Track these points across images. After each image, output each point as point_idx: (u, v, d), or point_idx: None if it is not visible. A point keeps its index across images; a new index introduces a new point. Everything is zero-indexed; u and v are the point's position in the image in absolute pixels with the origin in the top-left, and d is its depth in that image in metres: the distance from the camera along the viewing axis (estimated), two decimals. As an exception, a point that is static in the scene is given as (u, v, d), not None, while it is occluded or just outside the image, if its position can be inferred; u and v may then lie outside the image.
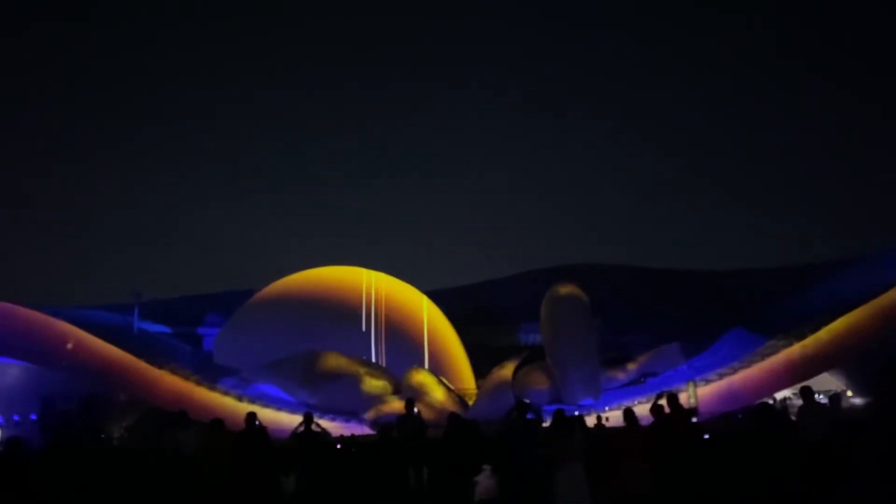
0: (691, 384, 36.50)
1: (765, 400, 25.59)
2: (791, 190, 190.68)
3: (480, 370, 45.89)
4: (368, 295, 48.37)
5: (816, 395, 12.30)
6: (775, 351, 37.83)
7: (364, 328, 45.17)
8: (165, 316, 53.80)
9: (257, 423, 11.57)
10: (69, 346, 36.23)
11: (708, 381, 38.45)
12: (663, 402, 10.71)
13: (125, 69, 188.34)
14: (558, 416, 10.41)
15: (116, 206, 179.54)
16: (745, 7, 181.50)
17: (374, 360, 44.32)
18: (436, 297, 54.07)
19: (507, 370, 41.39)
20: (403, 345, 45.19)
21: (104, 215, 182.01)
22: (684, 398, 33.29)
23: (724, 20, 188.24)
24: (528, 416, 11.85)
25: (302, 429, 12.66)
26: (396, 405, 35.07)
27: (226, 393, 39.61)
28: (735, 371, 38.45)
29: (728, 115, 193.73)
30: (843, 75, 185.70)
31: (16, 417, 35.99)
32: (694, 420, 17.02)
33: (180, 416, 12.69)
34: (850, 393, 36.62)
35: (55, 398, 33.52)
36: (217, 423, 11.12)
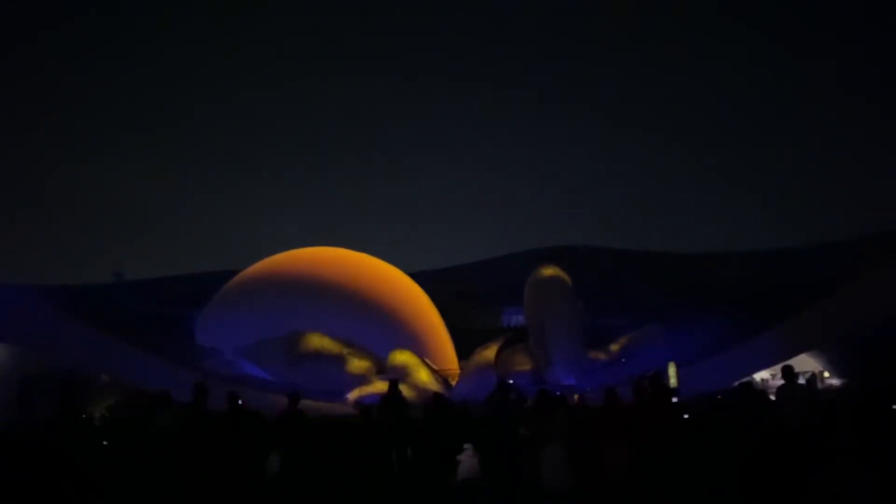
0: (672, 365, 36.87)
1: (745, 380, 25.90)
2: (773, 174, 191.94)
3: (463, 351, 46.06)
4: (353, 276, 48.24)
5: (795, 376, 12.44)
6: (755, 332, 38.25)
7: (348, 309, 45.03)
8: (147, 296, 53.44)
9: (240, 402, 11.55)
10: None
11: (688, 362, 38.84)
12: (646, 382, 10.81)
13: (106, 59, 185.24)
14: (541, 396, 10.48)
15: (98, 185, 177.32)
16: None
17: (357, 340, 44.27)
18: (420, 278, 54.09)
19: (490, 351, 41.62)
20: (387, 326, 45.17)
21: (86, 194, 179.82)
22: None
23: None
24: (511, 396, 11.93)
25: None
26: (380, 386, 35.16)
27: (208, 373, 39.45)
28: (715, 352, 38.85)
29: (710, 100, 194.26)
30: (824, 61, 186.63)
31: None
32: (675, 400, 17.21)
33: (162, 397, 12.62)
34: (826, 374, 37.15)
35: (35, 378, 33.20)
36: (198, 403, 11.08)
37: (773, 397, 11.50)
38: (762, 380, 36.47)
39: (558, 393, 17.89)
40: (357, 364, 41.01)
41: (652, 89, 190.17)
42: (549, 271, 43.63)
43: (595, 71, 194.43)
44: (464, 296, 57.24)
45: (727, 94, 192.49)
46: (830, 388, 31.81)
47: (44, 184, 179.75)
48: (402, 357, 41.13)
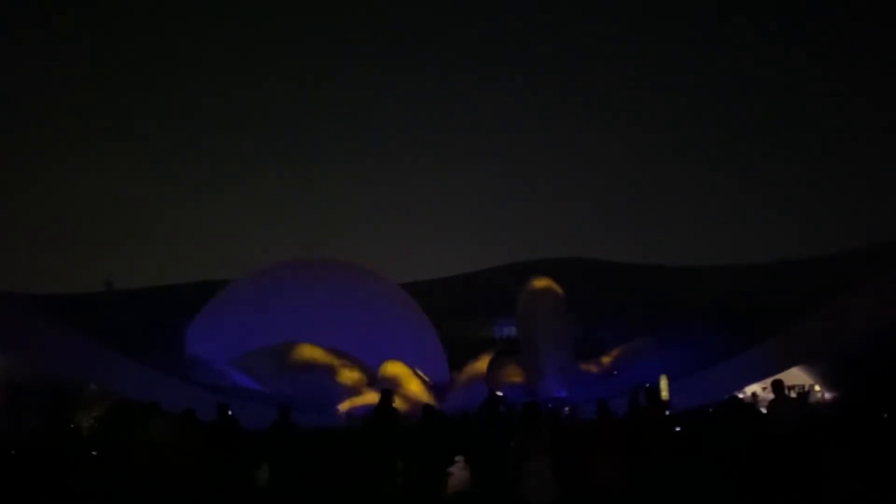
0: (663, 378, 36.90)
1: (735, 394, 25.91)
2: (762, 188, 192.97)
3: (455, 363, 45.96)
4: (345, 286, 48.14)
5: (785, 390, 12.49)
6: (747, 345, 38.34)
7: (339, 319, 44.89)
8: (137, 305, 53.16)
9: (230, 413, 11.49)
10: None
11: (680, 375, 38.87)
12: (641, 395, 10.80)
13: (99, 59, 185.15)
14: (527, 409, 10.43)
15: (88, 194, 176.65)
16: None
17: (349, 351, 44.14)
18: (413, 289, 54.06)
19: (481, 363, 41.59)
20: (379, 336, 45.03)
21: (76, 202, 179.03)
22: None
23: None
24: (501, 408, 11.89)
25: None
26: (371, 397, 34.99)
27: (198, 383, 39.20)
28: (707, 365, 38.89)
29: (702, 109, 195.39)
30: (827, 66, 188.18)
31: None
32: (666, 413, 17.21)
33: (152, 407, 12.52)
34: (817, 388, 37.22)
35: (23, 386, 32.89)
36: (189, 414, 11.03)
37: (764, 411, 11.52)
38: (752, 394, 36.48)
39: (549, 405, 17.86)
40: (348, 375, 40.83)
41: (640, 101, 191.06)
42: (541, 283, 43.74)
43: (591, 84, 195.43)
44: (456, 307, 57.23)
45: (716, 105, 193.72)
46: (822, 402, 31.85)
47: (33, 191, 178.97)
48: (394, 368, 40.98)
